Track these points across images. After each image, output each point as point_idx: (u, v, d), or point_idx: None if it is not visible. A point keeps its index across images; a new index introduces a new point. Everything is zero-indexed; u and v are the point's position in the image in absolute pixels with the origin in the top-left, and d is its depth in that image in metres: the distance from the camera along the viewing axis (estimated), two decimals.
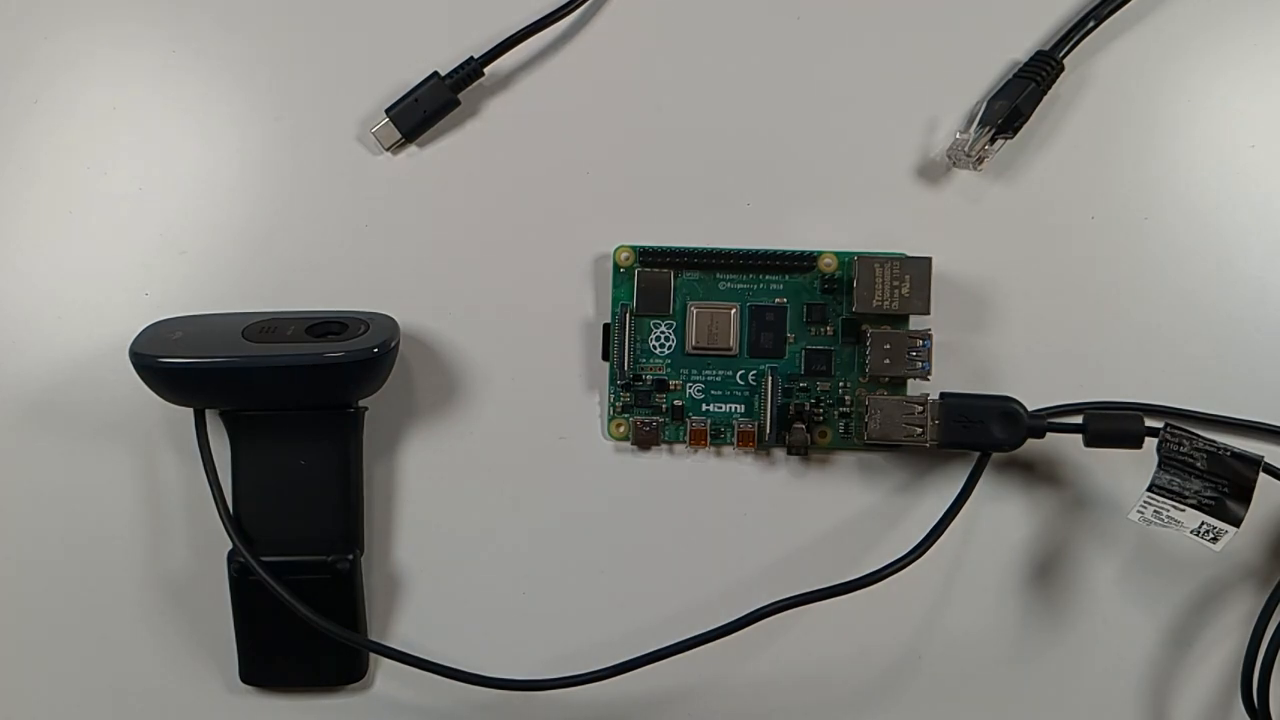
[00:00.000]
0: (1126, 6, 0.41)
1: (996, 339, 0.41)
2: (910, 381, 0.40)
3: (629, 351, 0.41)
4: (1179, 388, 0.41)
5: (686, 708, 0.42)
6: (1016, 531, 0.41)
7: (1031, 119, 0.41)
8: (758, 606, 0.39)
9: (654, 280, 0.42)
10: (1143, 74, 0.42)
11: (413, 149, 0.43)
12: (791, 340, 0.41)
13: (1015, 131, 0.40)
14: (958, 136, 0.41)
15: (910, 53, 0.42)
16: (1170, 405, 0.41)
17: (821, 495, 0.42)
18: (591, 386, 0.42)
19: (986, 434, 0.39)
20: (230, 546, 0.40)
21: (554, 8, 0.42)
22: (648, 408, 0.42)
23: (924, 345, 0.39)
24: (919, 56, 0.42)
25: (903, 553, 0.39)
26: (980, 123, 0.40)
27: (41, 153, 0.43)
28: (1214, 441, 0.37)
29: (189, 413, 0.41)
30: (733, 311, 0.41)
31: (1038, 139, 0.42)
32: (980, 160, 0.40)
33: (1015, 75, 0.41)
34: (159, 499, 0.42)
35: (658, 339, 0.42)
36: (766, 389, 0.41)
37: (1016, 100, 0.40)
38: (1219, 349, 0.41)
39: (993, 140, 0.40)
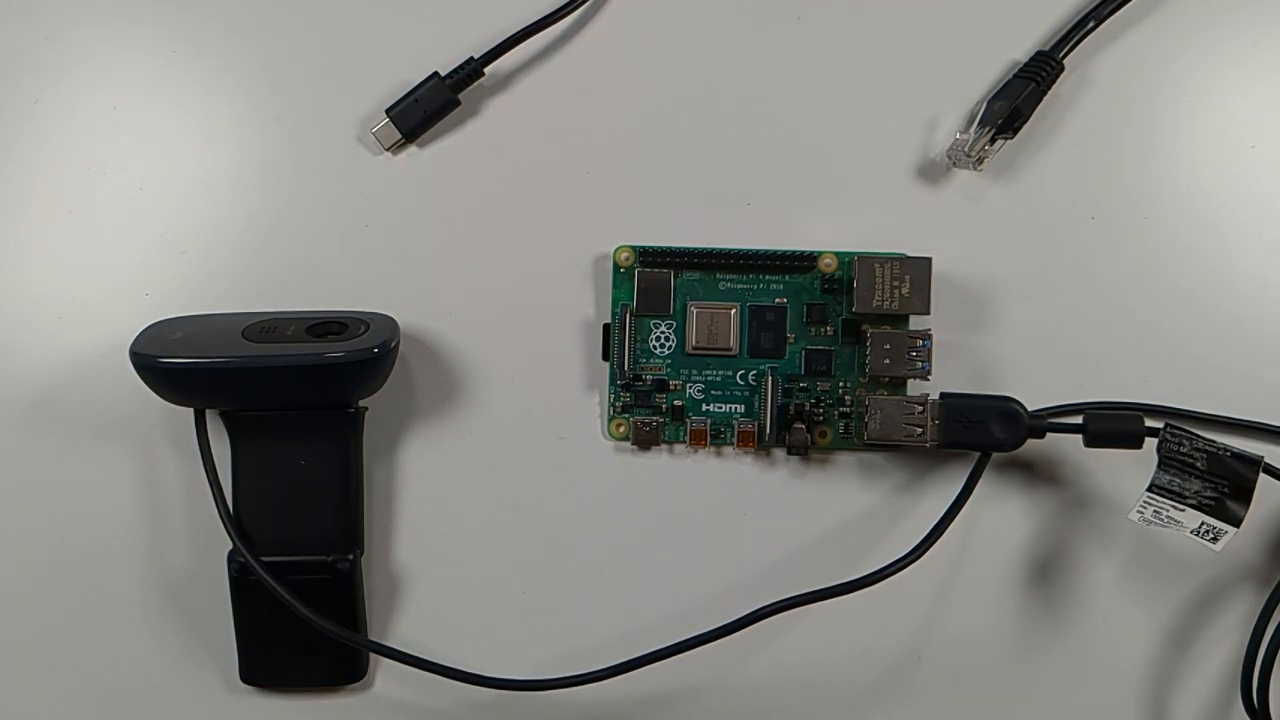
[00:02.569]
0: (1127, 6, 0.41)
1: (996, 339, 0.41)
2: (910, 381, 0.40)
3: (629, 351, 0.41)
4: (1179, 388, 0.41)
5: (686, 708, 0.42)
6: (1016, 532, 0.41)
7: (1031, 119, 0.41)
8: (758, 607, 0.39)
9: (654, 280, 0.42)
10: (1143, 74, 0.42)
11: (413, 149, 0.43)
12: (791, 340, 0.41)
13: (1015, 132, 0.40)
14: (958, 137, 0.41)
15: (910, 53, 0.42)
16: (1170, 405, 0.41)
17: (821, 495, 0.42)
18: (591, 386, 0.42)
19: (987, 434, 0.39)
20: (230, 546, 0.40)
21: (554, 8, 0.42)
22: (648, 408, 0.42)
23: (924, 345, 0.39)
24: (919, 56, 0.42)
25: (903, 553, 0.39)
26: (980, 123, 0.40)
27: (41, 153, 0.43)
28: (1214, 441, 0.37)
29: (189, 413, 0.41)
30: (733, 311, 0.41)
31: (1038, 139, 0.42)
32: (980, 160, 0.40)
33: (1015, 75, 0.41)
34: (159, 499, 0.42)
35: (658, 339, 0.42)
36: (766, 389, 0.41)
37: (1016, 100, 0.40)
38: (1219, 349, 0.41)
39: (993, 140, 0.40)
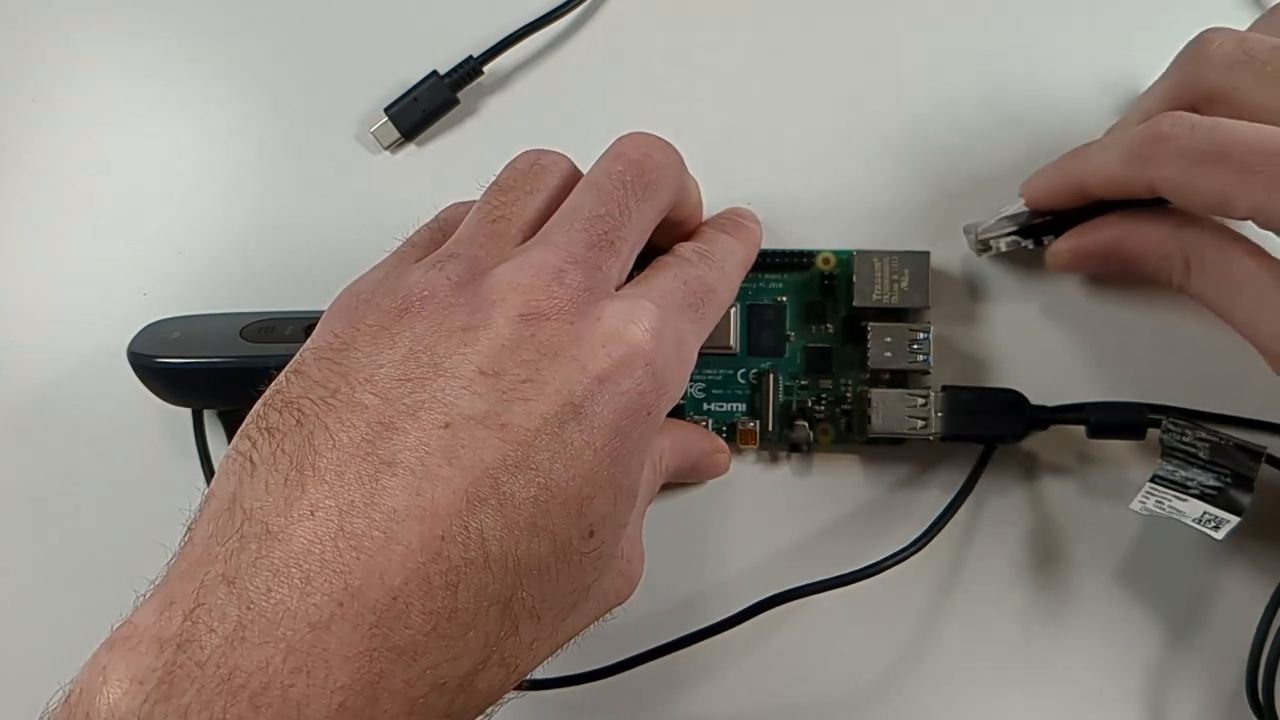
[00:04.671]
0: None
1: (998, 336, 0.41)
2: (910, 376, 0.40)
3: None
4: (1183, 387, 0.41)
5: (687, 705, 0.41)
6: (1019, 524, 0.41)
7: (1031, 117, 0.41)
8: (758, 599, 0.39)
9: None
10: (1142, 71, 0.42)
11: (412, 148, 0.43)
12: (791, 339, 0.41)
13: (1040, 244, 0.39)
14: (984, 224, 0.40)
15: (912, 49, 0.42)
16: (1174, 404, 0.40)
17: (825, 492, 0.41)
18: None
19: (990, 426, 0.39)
20: None
21: (553, 6, 0.42)
22: None
23: (924, 338, 0.39)
24: (920, 53, 0.42)
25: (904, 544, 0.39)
26: (1019, 233, 0.39)
27: (38, 152, 0.43)
28: (1216, 431, 0.37)
29: (187, 413, 0.41)
30: (732, 310, 0.41)
31: None
32: (986, 249, 0.40)
33: None
34: (156, 500, 0.42)
35: None
36: (767, 387, 0.41)
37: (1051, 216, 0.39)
38: (1226, 347, 0.41)
39: (1013, 244, 0.39)
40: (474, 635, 0.26)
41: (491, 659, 0.27)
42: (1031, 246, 0.39)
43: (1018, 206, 0.39)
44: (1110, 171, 0.35)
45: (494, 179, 0.34)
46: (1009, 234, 0.39)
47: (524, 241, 0.32)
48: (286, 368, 0.30)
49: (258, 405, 0.29)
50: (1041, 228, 0.39)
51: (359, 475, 0.26)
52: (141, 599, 0.26)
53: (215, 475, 0.28)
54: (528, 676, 0.29)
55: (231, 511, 0.26)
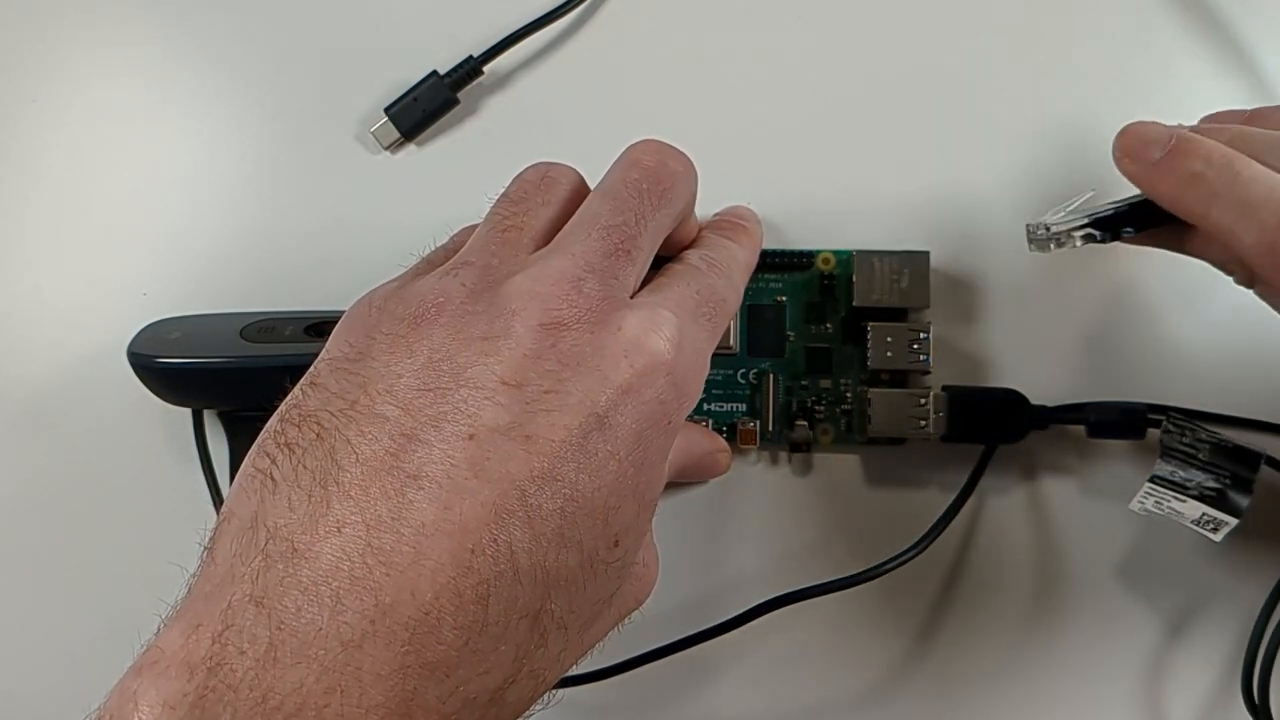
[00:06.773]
0: None
1: (998, 336, 0.41)
2: (910, 376, 0.40)
3: None
4: (1182, 387, 0.41)
5: (689, 706, 0.41)
6: (1019, 524, 0.41)
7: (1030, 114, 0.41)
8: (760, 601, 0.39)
9: None
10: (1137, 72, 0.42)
11: (412, 148, 0.43)
12: (791, 338, 0.41)
13: (1116, 236, 0.36)
14: (1052, 218, 0.37)
15: (908, 51, 0.42)
16: (1175, 405, 0.40)
17: (825, 492, 0.41)
18: None
19: (990, 425, 0.39)
20: None
21: (553, 6, 0.42)
22: None
23: (924, 338, 0.39)
24: (916, 55, 0.42)
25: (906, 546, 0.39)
26: (1094, 225, 0.36)
27: (39, 152, 0.43)
28: (1216, 433, 0.37)
29: (187, 413, 0.41)
30: None
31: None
32: (1056, 243, 0.37)
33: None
34: (156, 500, 0.42)
35: None
36: (768, 388, 0.41)
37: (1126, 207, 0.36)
38: (1222, 347, 0.41)
39: (1089, 239, 0.36)
40: (505, 649, 0.26)
41: (522, 672, 0.27)
42: (1108, 239, 0.36)
43: (1085, 198, 0.37)
44: (1242, 244, 0.32)
45: (503, 191, 0.34)
46: (1083, 227, 0.36)
47: (535, 251, 0.31)
48: (301, 380, 0.29)
49: (273, 420, 0.28)
50: (1118, 220, 0.36)
51: (384, 489, 0.26)
52: (164, 622, 0.26)
53: (232, 493, 0.28)
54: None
55: (254, 530, 0.26)
